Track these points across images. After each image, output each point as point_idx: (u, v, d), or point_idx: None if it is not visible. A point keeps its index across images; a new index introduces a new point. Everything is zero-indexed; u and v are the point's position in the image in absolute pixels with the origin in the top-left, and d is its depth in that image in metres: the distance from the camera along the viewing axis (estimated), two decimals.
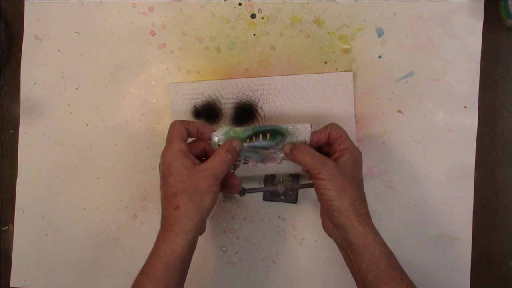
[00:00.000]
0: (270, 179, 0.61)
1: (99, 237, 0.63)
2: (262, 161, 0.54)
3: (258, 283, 0.62)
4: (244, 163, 0.54)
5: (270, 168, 0.57)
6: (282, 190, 0.56)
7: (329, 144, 0.54)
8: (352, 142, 0.52)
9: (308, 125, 0.53)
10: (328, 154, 0.53)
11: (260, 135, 0.52)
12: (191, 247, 0.49)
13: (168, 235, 0.48)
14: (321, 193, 0.50)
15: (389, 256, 0.48)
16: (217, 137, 0.52)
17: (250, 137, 0.52)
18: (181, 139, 0.51)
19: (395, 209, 0.60)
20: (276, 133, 0.53)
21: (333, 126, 0.53)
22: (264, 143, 0.52)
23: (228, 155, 0.50)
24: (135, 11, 0.62)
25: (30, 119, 0.63)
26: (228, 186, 0.53)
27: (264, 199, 0.61)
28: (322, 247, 0.61)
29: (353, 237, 0.48)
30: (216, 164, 0.50)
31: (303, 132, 0.52)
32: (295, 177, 0.61)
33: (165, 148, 0.51)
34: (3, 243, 0.64)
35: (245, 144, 0.52)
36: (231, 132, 0.52)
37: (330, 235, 0.53)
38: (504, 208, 0.61)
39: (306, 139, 0.52)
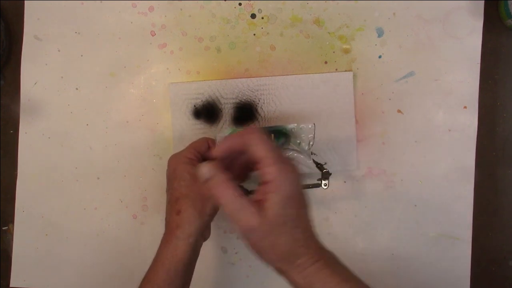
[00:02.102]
0: None
1: (99, 237, 0.63)
2: None
3: (258, 283, 0.62)
4: None
5: None
6: None
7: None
8: (277, 168, 0.40)
9: (311, 125, 0.52)
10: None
11: None
12: (193, 252, 0.49)
13: (170, 239, 0.48)
14: (251, 251, 0.43)
15: None
16: (221, 138, 0.52)
17: None
18: (194, 148, 0.51)
19: (395, 209, 0.60)
20: (280, 134, 0.53)
21: (250, 141, 0.41)
22: None
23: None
24: (135, 11, 0.62)
25: (30, 119, 0.63)
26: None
27: None
28: None
29: None
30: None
31: (306, 131, 0.52)
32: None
33: (174, 153, 0.52)
34: (3, 243, 0.64)
35: None
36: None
37: None
38: (504, 208, 0.61)
39: (310, 139, 0.52)
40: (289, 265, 0.42)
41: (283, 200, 0.40)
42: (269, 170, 0.40)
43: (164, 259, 0.48)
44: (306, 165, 0.53)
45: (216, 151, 0.45)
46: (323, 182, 0.55)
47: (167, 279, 0.47)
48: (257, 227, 0.40)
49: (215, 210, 0.50)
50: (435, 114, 0.60)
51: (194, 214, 0.48)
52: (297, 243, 0.41)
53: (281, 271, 0.43)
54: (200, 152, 0.51)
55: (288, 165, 0.41)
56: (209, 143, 0.52)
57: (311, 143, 0.52)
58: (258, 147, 0.41)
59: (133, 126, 0.62)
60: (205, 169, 0.42)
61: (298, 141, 0.53)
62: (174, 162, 0.51)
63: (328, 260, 0.42)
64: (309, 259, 0.42)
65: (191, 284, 0.51)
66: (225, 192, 0.41)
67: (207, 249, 0.62)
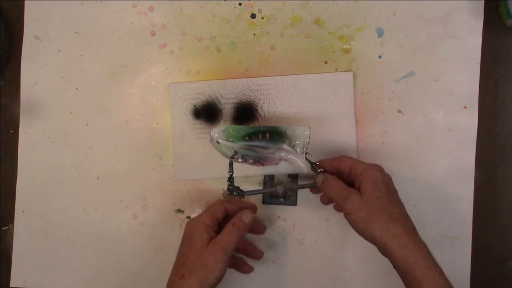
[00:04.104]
0: (269, 180, 0.61)
1: (99, 237, 0.63)
2: (260, 161, 0.54)
3: (258, 283, 0.62)
4: (242, 162, 0.54)
5: (269, 168, 0.57)
6: (281, 191, 0.56)
7: (343, 174, 0.54)
8: (365, 164, 0.52)
9: (306, 129, 0.53)
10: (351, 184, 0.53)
11: (260, 135, 0.53)
12: None
13: None
14: (353, 227, 0.50)
15: (434, 277, 0.47)
16: (216, 133, 0.52)
17: (249, 136, 0.53)
18: (212, 214, 0.53)
19: None
20: (275, 134, 0.53)
21: (339, 160, 0.54)
22: (263, 142, 0.52)
23: (235, 230, 0.52)
24: (135, 11, 0.62)
25: (30, 119, 0.63)
26: (253, 231, 0.59)
27: (264, 202, 0.61)
28: (322, 247, 0.61)
29: (394, 260, 0.48)
30: (224, 238, 0.51)
31: (301, 136, 0.53)
32: (294, 177, 0.61)
33: (193, 217, 0.55)
34: (3, 243, 0.64)
35: (243, 143, 0.52)
36: (230, 130, 0.53)
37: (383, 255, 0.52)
38: (504, 208, 0.61)
39: (305, 144, 0.53)
40: (387, 234, 0.48)
41: (373, 181, 0.50)
42: (359, 166, 0.52)
43: None
44: (298, 167, 0.53)
45: (327, 166, 0.55)
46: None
47: None
48: (358, 202, 0.49)
49: (217, 281, 0.50)
50: (435, 114, 0.60)
51: (197, 283, 0.49)
52: (392, 215, 0.49)
53: (379, 241, 0.48)
54: (217, 218, 0.54)
55: (371, 163, 0.53)
56: (225, 206, 0.54)
57: (305, 148, 0.53)
58: (346, 160, 0.53)
59: (133, 126, 0.62)
60: (320, 177, 0.54)
61: (293, 144, 0.53)
62: (190, 226, 0.53)
63: (420, 241, 0.48)
64: (405, 231, 0.48)
65: None
66: (334, 185, 0.52)
67: None
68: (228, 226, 0.52)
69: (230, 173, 0.54)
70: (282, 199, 0.61)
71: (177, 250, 0.53)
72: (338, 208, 0.56)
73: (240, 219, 0.53)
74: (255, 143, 0.52)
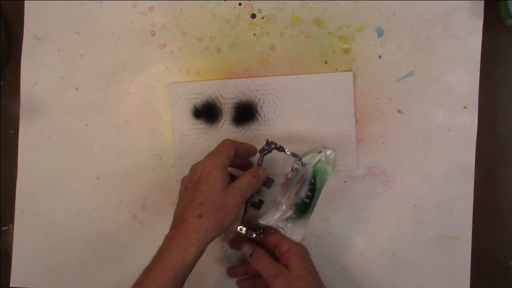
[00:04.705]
0: None
1: (99, 237, 0.63)
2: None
3: None
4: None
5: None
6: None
7: (269, 247, 0.54)
8: (290, 241, 0.53)
9: (330, 151, 0.54)
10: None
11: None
12: (199, 258, 0.49)
13: (182, 242, 0.48)
14: None
15: None
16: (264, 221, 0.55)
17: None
18: (228, 156, 0.52)
19: (395, 209, 0.60)
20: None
21: (265, 237, 0.54)
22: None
23: (254, 181, 0.52)
24: (135, 11, 0.62)
25: (30, 119, 0.63)
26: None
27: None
28: (322, 247, 0.61)
29: None
30: (243, 185, 0.51)
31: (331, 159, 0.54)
32: (270, 180, 0.60)
33: (208, 157, 0.52)
34: (3, 243, 0.64)
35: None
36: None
37: None
38: (504, 208, 0.61)
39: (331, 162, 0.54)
40: None
41: (301, 258, 0.51)
42: (286, 242, 0.52)
43: (174, 260, 0.47)
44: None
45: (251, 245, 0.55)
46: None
47: (173, 281, 0.47)
48: (288, 279, 0.50)
49: (231, 224, 0.51)
50: (435, 114, 0.60)
51: (214, 224, 0.48)
52: None
53: None
54: (231, 159, 0.53)
55: (296, 242, 0.54)
56: (235, 146, 0.54)
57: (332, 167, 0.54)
58: (273, 236, 0.54)
59: (133, 126, 0.62)
60: (247, 248, 0.54)
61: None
62: (210, 164, 0.51)
63: None
64: None
65: (190, 284, 0.51)
66: (262, 261, 0.52)
67: (207, 249, 0.62)
68: (248, 175, 0.52)
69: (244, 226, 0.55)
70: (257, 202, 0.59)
71: None
72: (265, 283, 0.53)
73: (259, 173, 0.53)
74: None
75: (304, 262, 0.51)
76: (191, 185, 0.51)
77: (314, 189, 0.53)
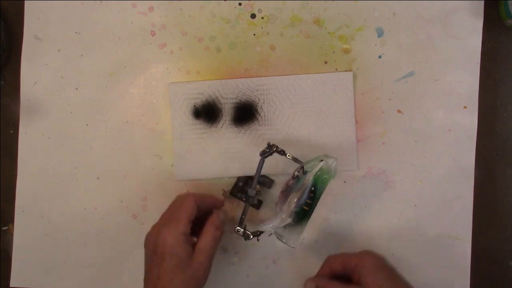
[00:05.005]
0: (243, 181, 0.61)
1: (99, 237, 0.63)
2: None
3: (258, 283, 0.62)
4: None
5: (245, 169, 0.60)
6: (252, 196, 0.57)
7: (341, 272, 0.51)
8: (355, 255, 0.50)
9: (332, 160, 0.54)
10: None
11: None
12: None
13: None
14: None
15: None
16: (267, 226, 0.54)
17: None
18: (188, 221, 0.49)
19: (395, 209, 0.60)
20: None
21: (327, 263, 0.51)
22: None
23: (218, 232, 0.51)
24: (135, 11, 0.62)
25: (30, 119, 0.63)
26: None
27: (231, 193, 0.61)
28: (322, 247, 0.61)
29: None
30: (209, 245, 0.50)
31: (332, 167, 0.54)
32: (269, 180, 0.61)
33: (167, 225, 0.49)
34: (3, 243, 0.64)
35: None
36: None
37: None
38: (504, 208, 0.61)
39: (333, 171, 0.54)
40: None
41: (370, 270, 0.48)
42: (350, 259, 0.50)
43: None
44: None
45: (323, 272, 0.52)
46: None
47: None
48: None
49: (205, 282, 0.49)
50: (435, 114, 0.60)
51: None
52: None
53: None
54: (191, 220, 0.50)
55: (361, 251, 0.51)
56: (197, 203, 0.51)
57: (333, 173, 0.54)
58: (336, 258, 0.51)
59: (133, 126, 0.62)
60: (309, 284, 0.50)
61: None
62: (171, 238, 0.48)
63: None
64: None
65: None
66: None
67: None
68: (211, 230, 0.50)
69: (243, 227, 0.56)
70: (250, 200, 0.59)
71: None
72: None
73: (219, 219, 0.51)
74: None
75: (375, 271, 0.48)
76: (155, 256, 0.49)
77: (313, 197, 0.53)
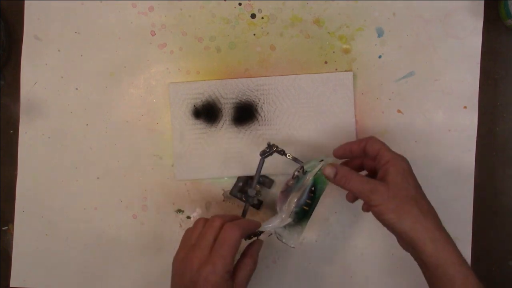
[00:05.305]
0: (243, 181, 0.61)
1: (99, 237, 0.63)
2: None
3: (258, 283, 0.62)
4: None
5: (246, 169, 0.59)
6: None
7: (368, 157, 0.51)
8: (392, 152, 0.48)
9: (332, 160, 0.53)
10: (374, 169, 0.50)
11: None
12: None
13: None
14: (380, 219, 0.47)
15: (467, 275, 0.44)
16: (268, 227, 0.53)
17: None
18: (234, 257, 0.47)
19: None
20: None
21: (368, 141, 0.50)
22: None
23: (255, 265, 0.50)
24: (135, 11, 0.62)
25: (30, 119, 0.63)
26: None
27: (231, 193, 0.61)
28: (322, 247, 0.61)
29: (423, 254, 0.45)
30: (246, 278, 0.49)
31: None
32: (270, 180, 0.61)
33: (211, 262, 0.46)
34: (3, 243, 0.64)
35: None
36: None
37: (406, 250, 0.49)
38: (504, 208, 0.61)
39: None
40: (419, 226, 0.45)
41: (400, 171, 0.47)
42: (386, 153, 0.48)
43: None
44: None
45: (337, 152, 0.52)
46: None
47: None
48: (387, 193, 0.46)
49: None
50: (435, 114, 0.60)
51: None
52: (423, 208, 0.46)
53: (409, 233, 0.45)
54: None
55: (397, 153, 0.49)
56: (242, 236, 0.48)
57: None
58: (375, 144, 0.49)
59: (133, 126, 0.62)
60: (329, 169, 0.49)
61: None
62: (215, 276, 0.45)
63: (450, 237, 0.46)
64: (436, 225, 0.46)
65: None
66: (352, 179, 0.48)
67: None
68: (249, 262, 0.49)
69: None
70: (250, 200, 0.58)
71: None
72: (364, 202, 0.50)
73: (255, 250, 0.51)
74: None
75: (405, 175, 0.47)
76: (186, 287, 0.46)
77: (313, 197, 0.53)
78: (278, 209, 0.54)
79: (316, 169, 0.53)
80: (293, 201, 0.53)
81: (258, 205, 0.59)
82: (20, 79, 0.63)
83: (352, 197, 0.54)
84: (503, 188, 0.61)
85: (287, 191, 0.54)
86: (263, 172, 0.57)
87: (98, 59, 0.62)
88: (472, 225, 0.60)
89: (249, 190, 0.56)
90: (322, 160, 0.53)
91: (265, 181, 0.61)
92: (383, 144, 0.49)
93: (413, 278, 0.61)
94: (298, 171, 0.54)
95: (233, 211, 0.62)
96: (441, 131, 0.60)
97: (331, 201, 0.61)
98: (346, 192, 0.61)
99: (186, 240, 0.50)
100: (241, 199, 0.60)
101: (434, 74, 0.60)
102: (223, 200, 0.62)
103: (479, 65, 0.59)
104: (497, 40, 0.60)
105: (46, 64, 0.63)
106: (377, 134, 0.60)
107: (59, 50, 0.63)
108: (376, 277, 0.61)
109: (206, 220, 0.50)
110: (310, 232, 0.61)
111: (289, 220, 0.53)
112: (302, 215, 0.53)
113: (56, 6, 0.62)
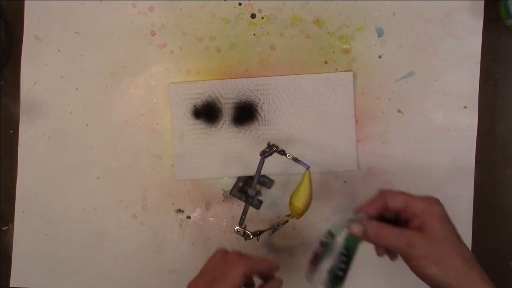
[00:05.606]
0: (243, 181, 0.61)
1: (99, 237, 0.63)
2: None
3: (257, 283, 0.62)
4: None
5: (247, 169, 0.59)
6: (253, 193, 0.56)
7: (388, 211, 0.46)
8: (421, 199, 0.45)
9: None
10: (398, 219, 0.46)
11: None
12: None
13: None
14: (421, 274, 0.43)
15: None
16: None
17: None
18: None
19: None
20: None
21: (387, 197, 0.46)
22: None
23: None
24: (135, 11, 0.62)
25: (30, 119, 0.63)
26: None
27: (231, 193, 0.61)
28: None
29: None
30: None
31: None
32: (270, 180, 0.61)
33: None
34: (3, 243, 0.64)
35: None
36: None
37: None
38: (504, 208, 0.61)
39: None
40: (465, 278, 0.42)
41: (437, 218, 0.44)
42: (416, 202, 0.44)
43: None
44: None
45: (368, 210, 0.47)
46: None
47: None
48: (427, 245, 0.42)
49: None
50: (435, 114, 0.60)
51: None
52: (465, 257, 0.43)
53: (455, 286, 0.42)
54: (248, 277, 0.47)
55: (426, 196, 0.45)
56: (246, 273, 0.46)
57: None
58: (397, 196, 0.46)
59: (133, 126, 0.62)
60: (355, 227, 0.45)
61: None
62: None
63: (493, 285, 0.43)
64: (481, 274, 0.42)
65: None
66: (384, 233, 0.44)
67: (208, 249, 0.62)
68: None
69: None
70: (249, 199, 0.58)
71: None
72: (401, 256, 0.45)
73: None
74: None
75: (443, 221, 0.44)
76: None
77: (347, 261, 0.47)
78: (308, 279, 0.49)
79: (346, 230, 0.47)
80: (325, 269, 0.48)
81: (258, 205, 0.59)
82: (20, 79, 0.63)
83: (384, 251, 0.48)
84: (503, 188, 0.61)
85: (316, 260, 0.49)
86: (263, 172, 0.57)
87: (98, 59, 0.62)
88: (472, 225, 0.60)
89: (249, 190, 0.56)
90: (350, 219, 0.47)
91: (265, 181, 0.61)
92: (406, 194, 0.46)
93: (413, 278, 0.60)
94: (326, 237, 0.48)
95: (233, 211, 0.62)
96: (441, 131, 0.60)
97: (331, 201, 0.61)
98: (347, 190, 0.61)
99: (202, 268, 0.49)
100: (241, 199, 0.60)
101: (434, 74, 0.60)
102: (223, 200, 0.62)
103: (479, 65, 0.59)
104: (497, 40, 0.60)
105: (46, 64, 0.63)
106: (377, 134, 0.60)
107: (59, 50, 0.63)
108: (376, 277, 0.61)
109: (225, 253, 0.49)
110: (310, 232, 0.61)
111: None
112: (336, 282, 0.48)
113: (56, 6, 0.62)
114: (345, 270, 0.47)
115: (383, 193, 0.46)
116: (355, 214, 0.47)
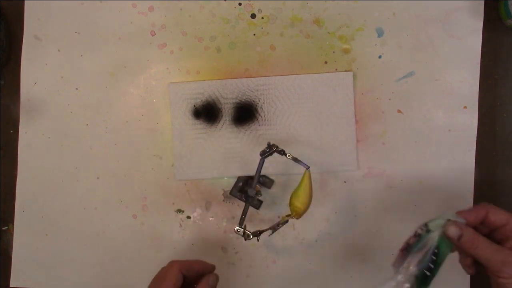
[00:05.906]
0: (243, 181, 0.61)
1: (99, 237, 0.63)
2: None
3: (258, 283, 0.62)
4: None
5: (248, 169, 0.58)
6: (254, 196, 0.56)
7: (484, 225, 0.46)
8: None
9: (463, 221, 0.45)
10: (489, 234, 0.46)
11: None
12: None
13: None
14: None
15: None
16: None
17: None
18: None
19: (395, 209, 0.60)
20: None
21: (489, 211, 0.46)
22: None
23: None
24: (135, 11, 0.62)
25: (30, 119, 0.63)
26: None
27: (231, 193, 0.61)
28: (322, 247, 0.61)
29: None
30: None
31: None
32: (270, 180, 0.61)
33: None
34: (3, 243, 0.64)
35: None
36: None
37: None
38: (504, 208, 0.61)
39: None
40: None
41: None
42: None
43: None
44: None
45: (467, 216, 0.46)
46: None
47: None
48: None
49: None
50: (435, 114, 0.60)
51: None
52: None
53: None
54: (187, 280, 0.50)
55: None
56: (182, 273, 0.49)
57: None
58: (499, 213, 0.46)
59: (133, 126, 0.62)
60: (453, 229, 0.44)
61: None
62: None
63: None
64: None
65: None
66: (480, 245, 0.44)
67: (207, 249, 0.62)
68: None
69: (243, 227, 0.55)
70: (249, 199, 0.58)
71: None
72: (491, 271, 0.44)
73: (210, 285, 0.50)
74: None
75: None
76: None
77: (436, 261, 0.45)
78: (394, 270, 0.47)
79: (441, 229, 0.46)
80: (414, 262, 0.46)
81: (258, 205, 0.59)
82: (20, 79, 0.63)
83: (471, 264, 0.48)
84: (503, 188, 0.61)
85: (406, 251, 0.47)
86: (263, 172, 0.57)
87: (98, 59, 0.62)
88: None
89: (249, 190, 0.56)
90: (449, 220, 0.46)
91: (265, 181, 0.61)
92: (507, 213, 0.46)
93: None
94: (422, 229, 0.47)
95: (233, 211, 0.62)
96: (441, 131, 0.60)
97: (331, 201, 0.61)
98: (347, 190, 0.61)
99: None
100: (241, 199, 0.60)
101: (434, 74, 0.60)
102: (223, 200, 0.62)
103: (479, 65, 0.59)
104: (497, 40, 0.60)
105: (46, 64, 0.63)
106: (377, 134, 0.60)
107: (59, 50, 0.63)
108: (376, 277, 0.61)
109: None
110: (310, 232, 0.61)
111: (407, 286, 0.46)
112: (422, 281, 0.46)
113: (56, 6, 0.62)
114: (433, 272, 0.46)
115: (486, 206, 0.46)
116: (456, 214, 0.46)
